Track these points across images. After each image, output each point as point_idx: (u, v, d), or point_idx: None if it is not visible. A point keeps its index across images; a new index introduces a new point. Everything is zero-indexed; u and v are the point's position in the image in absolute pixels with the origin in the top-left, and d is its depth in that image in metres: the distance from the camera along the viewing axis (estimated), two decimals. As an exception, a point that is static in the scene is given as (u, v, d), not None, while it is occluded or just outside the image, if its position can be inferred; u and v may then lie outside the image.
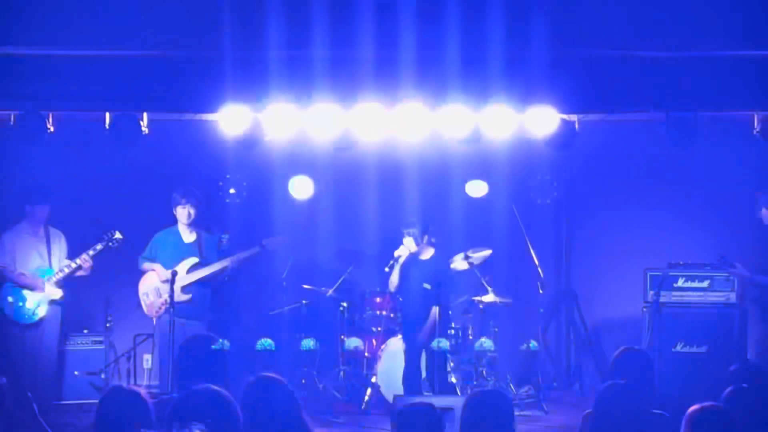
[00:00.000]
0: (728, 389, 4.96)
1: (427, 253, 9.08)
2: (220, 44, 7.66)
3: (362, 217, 10.56)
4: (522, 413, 9.30)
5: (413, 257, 9.05)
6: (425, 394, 8.87)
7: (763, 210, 8.98)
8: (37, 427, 4.83)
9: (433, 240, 9.10)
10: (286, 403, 4.42)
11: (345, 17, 7.62)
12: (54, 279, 8.97)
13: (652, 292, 9.59)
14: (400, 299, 9.55)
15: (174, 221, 9.01)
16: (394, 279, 9.10)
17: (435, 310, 8.83)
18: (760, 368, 5.56)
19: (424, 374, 9.06)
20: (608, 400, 4.72)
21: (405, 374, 9.06)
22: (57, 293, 8.99)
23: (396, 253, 9.03)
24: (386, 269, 9.12)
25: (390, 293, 9.80)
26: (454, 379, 9.22)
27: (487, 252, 9.92)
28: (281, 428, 4.32)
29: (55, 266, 9.03)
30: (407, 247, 8.99)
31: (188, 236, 8.97)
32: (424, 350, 8.98)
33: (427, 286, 8.90)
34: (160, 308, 8.79)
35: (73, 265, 8.98)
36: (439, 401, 7.94)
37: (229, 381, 4.67)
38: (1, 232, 9.05)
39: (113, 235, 8.99)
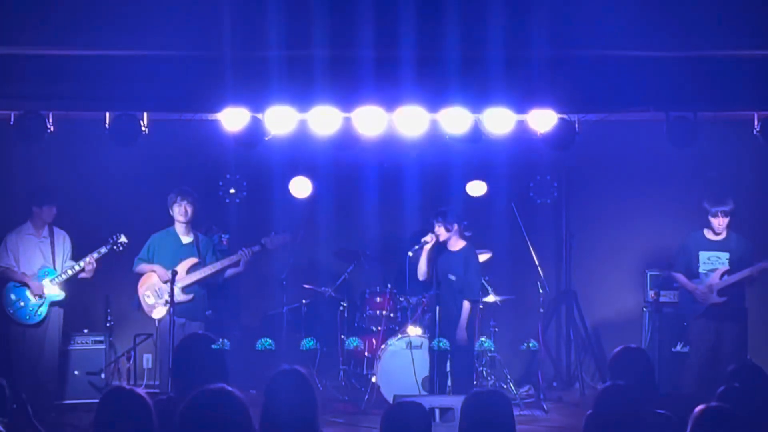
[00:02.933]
0: (721, 388, 4.97)
1: (456, 245, 9.05)
2: (220, 44, 7.65)
3: (362, 216, 10.57)
4: (522, 413, 9.30)
5: (443, 248, 9.04)
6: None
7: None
8: (32, 429, 4.82)
9: (466, 234, 9.07)
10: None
11: (345, 17, 7.61)
12: (57, 280, 8.98)
13: (652, 292, 9.60)
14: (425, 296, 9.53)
15: (170, 223, 9.00)
16: (422, 266, 9.07)
17: (467, 305, 8.86)
18: (758, 368, 5.56)
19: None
20: (607, 400, 4.72)
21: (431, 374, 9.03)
22: (59, 294, 8.99)
23: (423, 239, 9.01)
24: (410, 253, 9.09)
25: (391, 291, 9.82)
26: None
27: (487, 255, 9.92)
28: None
29: (59, 267, 9.03)
30: (437, 234, 8.96)
31: (186, 237, 8.97)
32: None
33: (452, 277, 8.89)
34: (161, 309, 8.79)
35: (77, 268, 8.99)
36: (439, 401, 8.00)
37: (228, 381, 4.66)
38: (4, 233, 9.05)
39: (119, 239, 9.00)
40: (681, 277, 9.13)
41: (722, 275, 8.92)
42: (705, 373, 8.80)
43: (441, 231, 8.94)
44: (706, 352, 8.86)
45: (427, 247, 8.98)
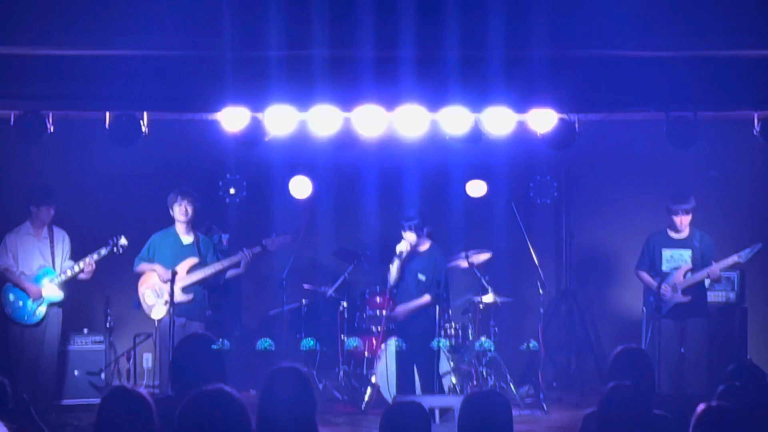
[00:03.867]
0: (721, 387, 4.97)
1: (425, 245, 9.08)
2: (220, 44, 7.65)
3: (362, 216, 10.57)
4: (522, 413, 9.30)
5: (412, 250, 9.07)
6: (417, 394, 8.87)
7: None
8: (34, 428, 4.82)
9: (429, 231, 9.13)
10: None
11: (345, 17, 7.61)
12: (57, 281, 8.97)
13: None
14: (394, 291, 9.57)
15: (170, 223, 8.99)
16: (394, 273, 9.14)
17: (427, 298, 8.88)
18: (757, 368, 5.56)
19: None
20: (613, 400, 4.71)
21: (397, 373, 9.07)
22: (58, 295, 8.98)
23: (398, 249, 9.04)
24: (391, 266, 9.17)
25: (391, 292, 9.81)
26: (453, 380, 9.20)
27: (487, 255, 9.92)
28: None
29: (58, 267, 9.03)
30: (408, 240, 9.00)
31: (186, 237, 8.96)
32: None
33: (421, 277, 8.92)
34: (161, 308, 8.79)
35: (77, 269, 8.97)
36: (438, 401, 8.01)
37: (227, 381, 4.65)
38: (4, 233, 9.05)
39: (118, 241, 8.99)
40: (645, 276, 9.25)
41: (685, 273, 9.01)
42: (673, 371, 8.87)
43: (413, 238, 9.00)
44: (673, 350, 8.95)
45: (404, 256, 9.06)
